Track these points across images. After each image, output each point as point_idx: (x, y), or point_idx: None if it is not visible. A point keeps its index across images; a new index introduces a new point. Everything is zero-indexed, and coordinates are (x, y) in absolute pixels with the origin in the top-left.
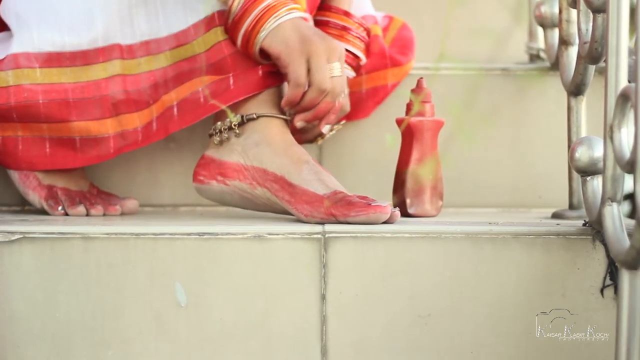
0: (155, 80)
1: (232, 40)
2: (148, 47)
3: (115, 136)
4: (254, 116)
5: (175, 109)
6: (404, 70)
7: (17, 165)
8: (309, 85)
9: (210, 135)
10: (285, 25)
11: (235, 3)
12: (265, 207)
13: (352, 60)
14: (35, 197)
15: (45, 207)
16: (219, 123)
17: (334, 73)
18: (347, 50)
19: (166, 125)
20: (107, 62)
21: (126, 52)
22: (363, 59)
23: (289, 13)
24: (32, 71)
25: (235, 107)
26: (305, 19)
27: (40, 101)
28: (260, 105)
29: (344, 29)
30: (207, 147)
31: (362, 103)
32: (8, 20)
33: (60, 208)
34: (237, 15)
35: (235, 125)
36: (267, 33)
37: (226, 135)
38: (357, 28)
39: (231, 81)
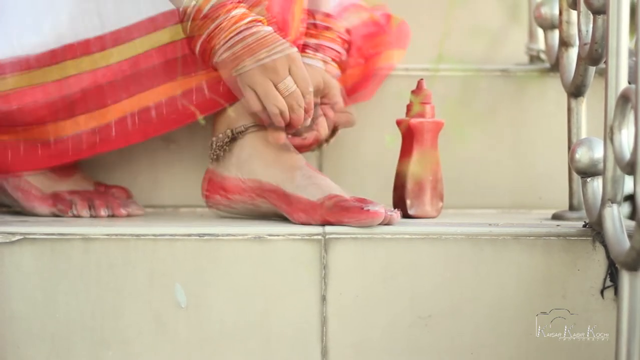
0: (127, 72)
1: (191, 48)
2: (117, 37)
3: (88, 133)
4: (243, 129)
5: (153, 112)
6: (401, 54)
7: None
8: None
9: (211, 150)
10: (225, 61)
11: (189, 10)
12: (270, 214)
13: (336, 56)
14: (43, 207)
15: (57, 212)
16: (214, 139)
17: (288, 91)
18: (330, 47)
19: (145, 129)
20: (76, 59)
21: (94, 45)
22: (344, 54)
23: (268, 54)
24: (1, 80)
25: (222, 118)
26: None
27: (14, 107)
28: (246, 115)
29: (326, 28)
30: (211, 160)
31: (367, 82)
32: None
33: (70, 210)
34: (219, 40)
35: (227, 142)
36: (216, 61)
37: (222, 152)
38: (338, 28)
39: (206, 91)
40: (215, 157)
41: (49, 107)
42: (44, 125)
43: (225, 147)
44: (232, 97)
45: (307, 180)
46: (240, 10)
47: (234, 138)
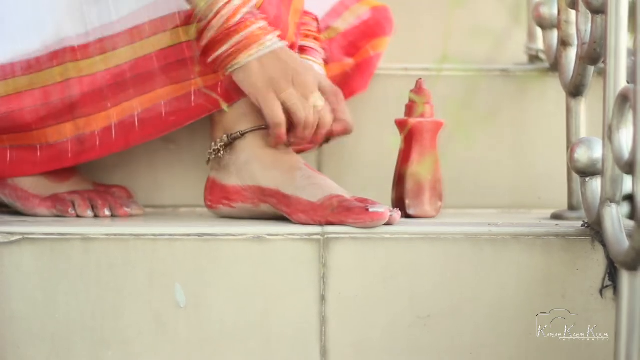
0: (113, 80)
1: (196, 46)
2: (102, 45)
3: (73, 140)
4: (239, 134)
5: (136, 119)
6: (386, 41)
7: None
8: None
9: (209, 156)
10: (251, 65)
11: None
12: (274, 216)
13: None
14: (43, 210)
15: (57, 212)
16: (212, 144)
17: (317, 105)
18: (324, 49)
19: (127, 137)
20: (61, 65)
21: (80, 52)
22: (322, 52)
23: (260, 49)
24: (4, 82)
25: (219, 123)
26: (283, 48)
27: (15, 109)
28: (243, 119)
29: (321, 31)
30: (210, 167)
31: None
32: None
33: (70, 210)
34: (213, 39)
35: (222, 146)
36: (234, 69)
37: (220, 155)
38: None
39: (192, 98)
40: (214, 163)
41: (34, 113)
42: (43, 128)
43: (222, 152)
44: (229, 99)
45: (307, 181)
46: (231, 9)
47: (230, 143)
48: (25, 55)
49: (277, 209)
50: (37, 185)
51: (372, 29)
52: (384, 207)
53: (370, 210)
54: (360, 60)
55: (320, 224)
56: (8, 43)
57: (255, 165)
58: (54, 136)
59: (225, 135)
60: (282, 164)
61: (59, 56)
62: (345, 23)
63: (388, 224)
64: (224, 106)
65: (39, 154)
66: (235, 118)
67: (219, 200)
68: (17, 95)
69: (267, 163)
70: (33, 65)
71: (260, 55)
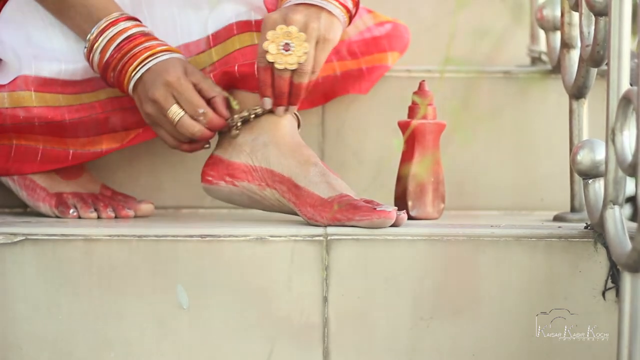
0: None
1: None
2: None
3: (108, 149)
4: (260, 112)
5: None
6: (397, 57)
7: (5, 170)
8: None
9: (220, 133)
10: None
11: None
12: (274, 207)
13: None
14: (47, 207)
15: (57, 213)
16: (227, 120)
17: (178, 117)
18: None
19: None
20: (99, 90)
21: None
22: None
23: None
24: (27, 94)
25: (242, 105)
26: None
27: (36, 123)
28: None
29: None
30: (216, 146)
31: (361, 79)
32: (5, 54)
33: (72, 211)
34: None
35: (239, 122)
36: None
37: (236, 132)
38: None
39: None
40: (222, 142)
41: (71, 125)
42: (63, 138)
43: (239, 125)
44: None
45: (321, 177)
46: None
47: (247, 121)
48: (68, 74)
49: (284, 197)
50: (45, 178)
51: (393, 41)
52: (391, 208)
53: (378, 209)
54: (378, 64)
55: (325, 221)
56: (56, 63)
57: (272, 150)
58: (89, 145)
59: (245, 111)
60: (299, 155)
61: (96, 83)
62: (356, 30)
63: (395, 225)
64: (234, 103)
65: (70, 157)
66: (255, 102)
67: (222, 177)
68: (56, 108)
69: (285, 151)
70: (71, 86)
71: (149, 67)
